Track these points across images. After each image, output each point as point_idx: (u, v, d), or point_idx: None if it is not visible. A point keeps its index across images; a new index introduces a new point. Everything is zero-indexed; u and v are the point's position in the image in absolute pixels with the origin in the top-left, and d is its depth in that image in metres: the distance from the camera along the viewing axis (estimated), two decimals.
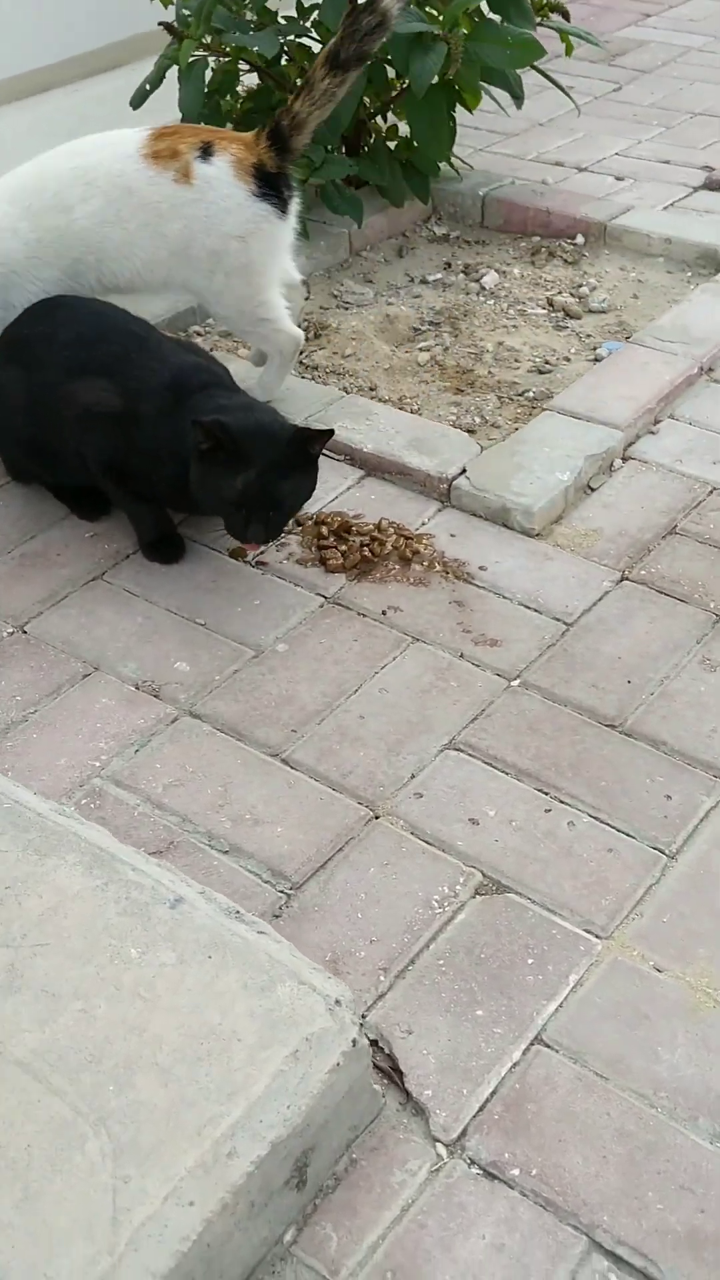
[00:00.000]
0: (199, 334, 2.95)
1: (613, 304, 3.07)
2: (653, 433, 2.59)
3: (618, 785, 1.86)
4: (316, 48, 3.20)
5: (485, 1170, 1.43)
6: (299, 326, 2.59)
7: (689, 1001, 1.59)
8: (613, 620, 2.15)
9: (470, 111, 3.45)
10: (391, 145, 3.38)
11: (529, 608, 2.18)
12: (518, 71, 3.20)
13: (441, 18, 2.94)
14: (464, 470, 2.41)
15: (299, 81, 2.32)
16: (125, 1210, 1.26)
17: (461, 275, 3.22)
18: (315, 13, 3.21)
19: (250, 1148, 1.31)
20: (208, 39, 3.03)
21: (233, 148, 2.38)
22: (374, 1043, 1.54)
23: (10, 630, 2.14)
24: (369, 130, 3.39)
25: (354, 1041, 1.40)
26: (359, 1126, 1.46)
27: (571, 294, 3.11)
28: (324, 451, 2.20)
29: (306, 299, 2.96)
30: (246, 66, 3.22)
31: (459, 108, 3.26)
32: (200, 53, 3.05)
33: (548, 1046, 1.54)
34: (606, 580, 2.23)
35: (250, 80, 3.35)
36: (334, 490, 2.42)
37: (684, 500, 2.41)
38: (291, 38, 3.26)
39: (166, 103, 3.04)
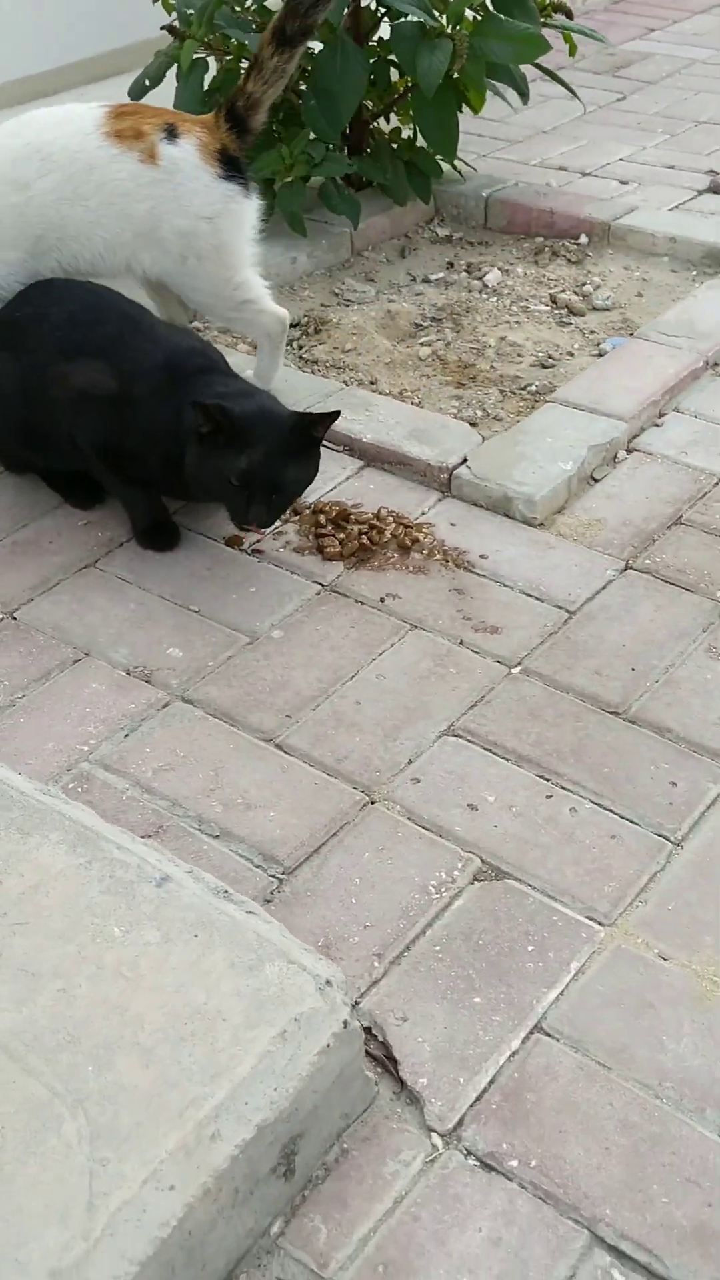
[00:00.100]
0: (197, 329, 2.91)
1: (617, 301, 3.03)
2: (657, 425, 2.54)
3: (621, 772, 1.80)
4: (318, 48, 3.18)
5: (482, 1161, 1.37)
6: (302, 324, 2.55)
7: (695, 990, 1.53)
8: (616, 608, 2.09)
9: (475, 113, 3.43)
10: (394, 146, 3.36)
11: (530, 596, 2.12)
12: (522, 70, 3.18)
13: (445, 15, 2.91)
14: (465, 460, 2.36)
15: (244, 65, 2.32)
16: (102, 1194, 1.19)
17: (464, 274, 3.18)
18: None
19: (235, 1131, 1.25)
20: (209, 38, 3.01)
21: (197, 130, 2.37)
22: (367, 1030, 1.47)
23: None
24: (371, 134, 3.36)
25: (345, 1023, 1.34)
26: (350, 1115, 1.40)
27: (575, 292, 3.07)
28: (323, 442, 2.15)
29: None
30: (246, 64, 3.19)
31: (464, 111, 3.23)
32: (202, 53, 3.03)
33: (548, 1035, 1.48)
34: (610, 569, 2.18)
35: None
36: (333, 480, 2.37)
37: (689, 491, 2.36)
38: None
39: (164, 101, 3.01)
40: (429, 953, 1.56)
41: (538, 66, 3.33)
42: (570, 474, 2.32)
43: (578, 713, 1.90)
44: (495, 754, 1.83)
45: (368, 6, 3.22)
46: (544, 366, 2.76)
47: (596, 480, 2.40)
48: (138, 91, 2.98)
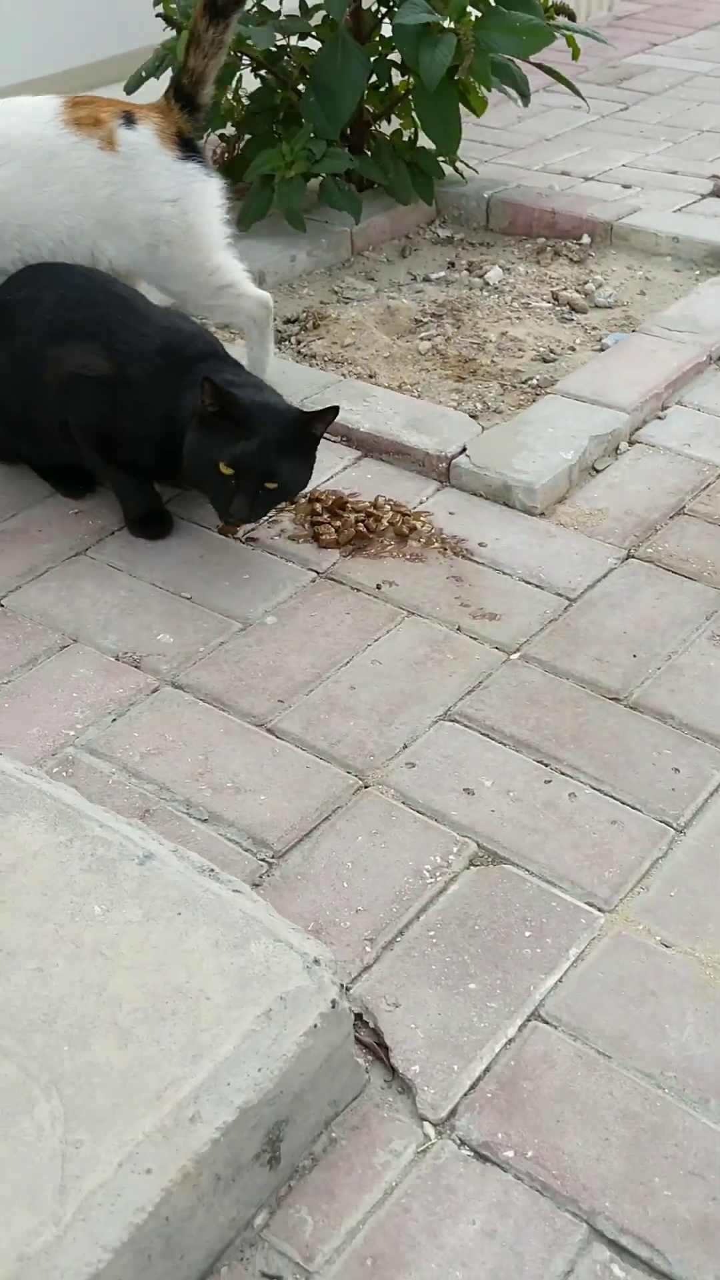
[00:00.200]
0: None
1: (619, 299, 2.99)
2: (660, 418, 2.50)
3: (622, 758, 1.75)
4: (316, 46, 3.16)
5: (476, 1152, 1.31)
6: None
7: (699, 978, 1.47)
8: (618, 596, 2.04)
9: (477, 115, 3.40)
10: (394, 147, 3.33)
11: (530, 583, 2.07)
12: (523, 71, 3.15)
13: (448, 8, 2.89)
14: (464, 449, 2.32)
15: (188, 39, 2.32)
16: (75, 1177, 1.13)
17: (465, 272, 3.15)
18: (318, 14, 3.17)
19: (216, 1113, 1.19)
20: None
21: (153, 115, 2.35)
22: (358, 1017, 1.42)
23: None
24: (372, 134, 3.33)
25: (333, 1003, 1.28)
26: (339, 1103, 1.33)
27: (577, 290, 3.03)
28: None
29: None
30: (247, 61, 3.17)
31: (466, 116, 3.20)
32: None
33: (546, 1022, 1.42)
34: (611, 557, 2.13)
35: (250, 85, 3.31)
36: (329, 470, 2.33)
37: (693, 482, 2.32)
38: (295, 39, 3.23)
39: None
40: (423, 938, 1.50)
41: (542, 68, 3.31)
42: (571, 463, 2.28)
43: (578, 699, 1.85)
44: (493, 739, 1.78)
45: (369, 9, 3.20)
46: (545, 361, 2.72)
47: (598, 471, 2.35)
48: (134, 84, 2.96)
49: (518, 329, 2.83)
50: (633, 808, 1.68)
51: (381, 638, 1.96)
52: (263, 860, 1.60)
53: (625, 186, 3.64)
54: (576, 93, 3.39)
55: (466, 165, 3.50)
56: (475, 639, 1.96)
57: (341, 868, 1.59)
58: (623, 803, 1.68)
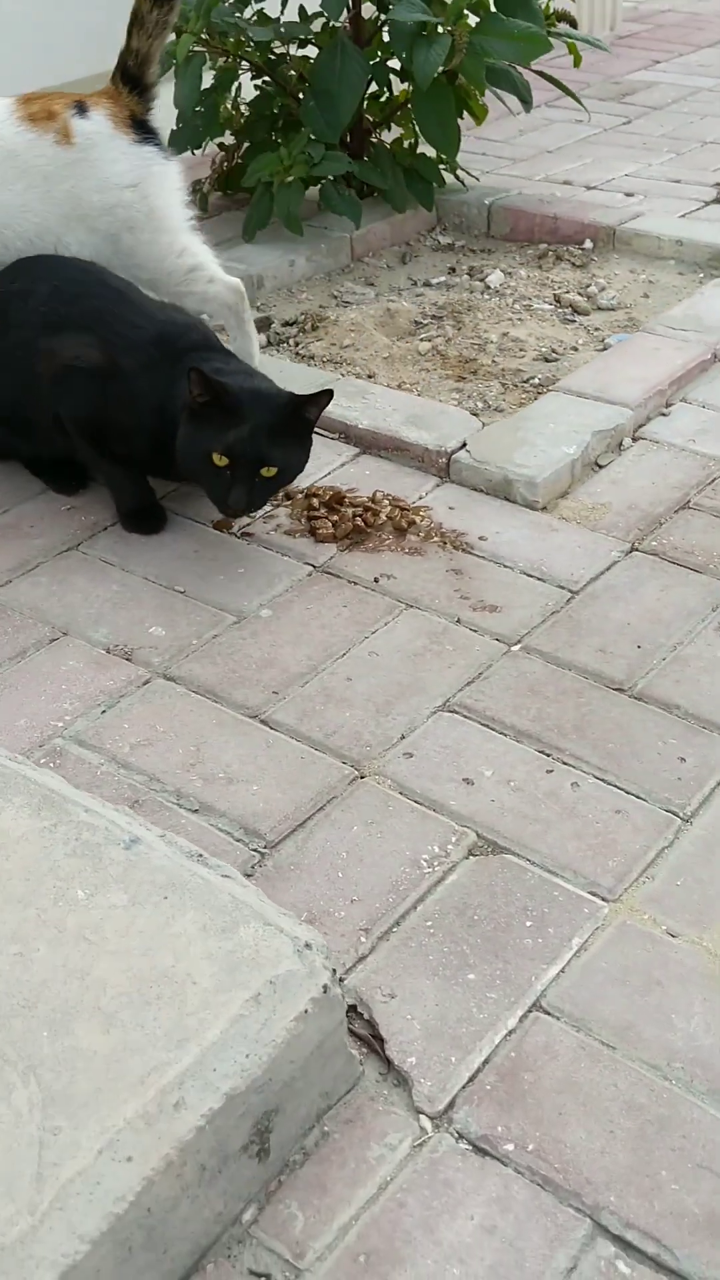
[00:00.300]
0: None
1: (622, 302, 2.96)
2: (664, 414, 2.46)
3: (626, 748, 1.70)
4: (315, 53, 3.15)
5: (475, 1145, 1.25)
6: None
7: (707, 968, 1.42)
8: (621, 588, 2.00)
9: (478, 122, 3.39)
10: (394, 155, 3.31)
11: (531, 576, 2.03)
12: (525, 78, 3.14)
13: (446, 15, 2.88)
14: (464, 444, 2.28)
15: (130, 20, 2.30)
16: (52, 1165, 1.08)
17: (466, 277, 3.12)
18: (318, 20, 3.16)
19: (201, 1099, 1.13)
20: (205, 35, 2.97)
21: (104, 101, 2.33)
22: (353, 1009, 1.36)
23: None
24: (372, 142, 3.31)
25: (325, 988, 1.23)
26: (332, 1095, 1.28)
27: (580, 293, 3.00)
28: (317, 429, 2.07)
29: None
30: (246, 66, 3.16)
31: (465, 119, 3.19)
32: (199, 49, 2.99)
33: (547, 1013, 1.37)
34: (615, 550, 2.09)
35: (249, 93, 3.30)
36: (326, 466, 2.29)
37: (698, 476, 2.28)
38: (294, 47, 3.22)
39: (164, 99, 2.96)
40: (420, 928, 1.45)
41: (544, 75, 3.29)
42: (573, 458, 2.24)
43: (580, 689, 1.80)
44: (493, 729, 1.73)
45: (370, 19, 3.19)
46: (547, 360, 2.69)
47: (601, 467, 2.31)
48: None
49: (519, 330, 2.80)
50: (637, 797, 1.63)
51: (379, 630, 1.92)
52: (255, 850, 1.55)
53: (628, 195, 3.62)
54: (576, 99, 3.38)
55: (467, 173, 3.48)
56: (475, 631, 1.91)
57: (336, 858, 1.54)
58: (627, 792, 1.63)
